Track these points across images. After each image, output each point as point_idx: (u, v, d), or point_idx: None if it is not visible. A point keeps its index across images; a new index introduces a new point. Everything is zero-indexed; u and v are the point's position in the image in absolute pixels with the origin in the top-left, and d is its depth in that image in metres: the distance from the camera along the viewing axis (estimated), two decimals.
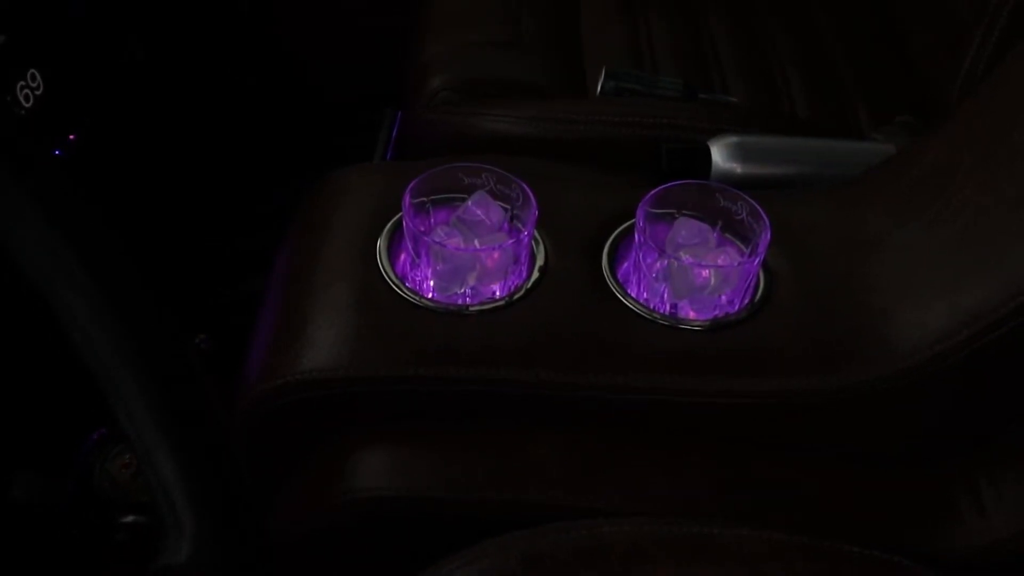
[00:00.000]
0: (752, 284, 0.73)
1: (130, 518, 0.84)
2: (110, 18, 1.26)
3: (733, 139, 0.91)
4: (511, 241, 0.70)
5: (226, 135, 1.48)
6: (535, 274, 0.72)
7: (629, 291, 0.72)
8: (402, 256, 0.73)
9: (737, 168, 0.90)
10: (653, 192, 0.72)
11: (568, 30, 1.21)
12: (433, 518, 0.66)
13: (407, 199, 0.70)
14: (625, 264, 0.75)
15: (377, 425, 0.67)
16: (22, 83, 0.83)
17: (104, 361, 0.30)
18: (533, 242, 0.74)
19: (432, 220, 0.73)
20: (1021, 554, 0.67)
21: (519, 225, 0.72)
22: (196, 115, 1.47)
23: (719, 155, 0.90)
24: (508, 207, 0.74)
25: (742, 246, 0.74)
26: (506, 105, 1.02)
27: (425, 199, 0.74)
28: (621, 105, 1.02)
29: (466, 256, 0.70)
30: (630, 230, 0.76)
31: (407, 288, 0.70)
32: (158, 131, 1.41)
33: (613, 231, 0.76)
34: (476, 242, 0.71)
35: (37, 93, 0.85)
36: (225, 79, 1.50)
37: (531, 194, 0.71)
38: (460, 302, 0.70)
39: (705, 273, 0.71)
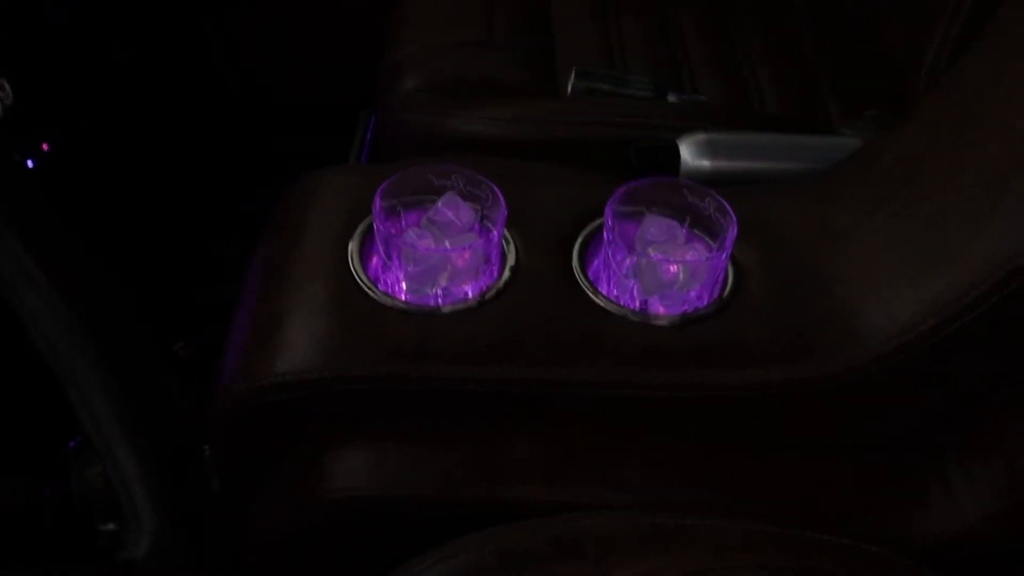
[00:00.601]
0: (721, 279, 0.74)
1: (109, 525, 0.85)
2: (93, 25, 1.26)
3: (702, 136, 0.91)
4: (481, 241, 0.71)
5: (202, 139, 1.48)
6: (506, 273, 0.73)
7: (600, 288, 0.73)
8: (374, 258, 0.74)
9: (706, 165, 0.91)
10: (620, 190, 0.73)
11: (540, 29, 1.22)
12: (412, 516, 0.66)
13: (377, 202, 0.71)
14: (595, 262, 0.76)
15: (354, 425, 0.68)
16: None
17: (65, 362, 0.31)
18: (504, 242, 0.75)
19: (403, 222, 0.74)
20: (989, 537, 0.68)
21: (489, 225, 0.73)
22: (171, 120, 1.47)
23: (688, 152, 0.91)
24: (478, 207, 0.74)
25: (710, 241, 0.74)
26: (478, 106, 1.02)
27: (396, 201, 0.74)
28: (591, 105, 1.03)
29: (437, 257, 0.70)
30: (600, 228, 0.76)
31: (380, 290, 0.71)
32: (133, 137, 1.41)
33: (583, 229, 0.77)
34: (447, 243, 0.72)
35: (6, 103, 0.85)
36: (201, 83, 1.50)
37: (500, 194, 0.72)
38: (433, 303, 0.71)
39: (673, 269, 0.72)
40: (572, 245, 0.76)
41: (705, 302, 0.73)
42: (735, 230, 0.71)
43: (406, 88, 1.10)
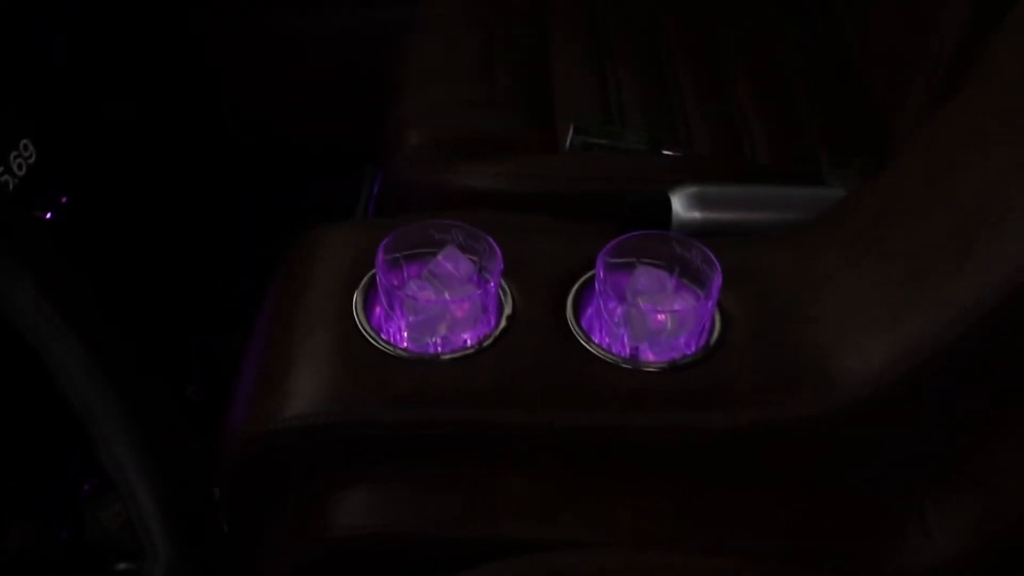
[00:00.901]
0: (708, 326, 0.77)
1: (122, 566, 0.88)
2: (96, 71, 1.31)
3: (692, 189, 0.96)
4: (479, 292, 0.75)
5: (213, 193, 1.53)
6: (503, 322, 0.76)
7: (592, 336, 0.77)
8: (377, 309, 0.78)
9: (697, 216, 0.95)
10: (611, 243, 0.77)
11: (540, 85, 1.27)
12: (411, 554, 0.70)
13: (380, 255, 0.75)
14: (588, 311, 0.79)
15: (356, 466, 0.71)
16: (15, 153, 0.88)
17: (88, 407, 0.34)
18: (501, 292, 0.78)
19: (405, 274, 0.78)
20: (963, 575, 0.71)
21: (487, 276, 0.77)
22: (181, 169, 1.52)
23: (679, 205, 0.95)
24: (476, 260, 0.78)
25: (697, 290, 0.78)
26: (480, 162, 1.07)
27: (398, 255, 0.78)
28: (588, 160, 1.08)
29: (437, 307, 0.74)
30: (593, 279, 0.80)
31: (382, 339, 0.75)
32: (147, 187, 1.45)
33: (577, 280, 0.81)
34: (446, 294, 0.75)
35: (30, 162, 0.89)
36: (209, 133, 1.55)
37: (496, 247, 0.76)
38: (432, 351, 0.75)
39: (662, 317, 0.76)
40: (566, 295, 0.80)
41: (693, 349, 0.76)
42: (720, 279, 0.75)
43: (411, 144, 1.15)
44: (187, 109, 1.51)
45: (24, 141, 0.89)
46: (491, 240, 0.76)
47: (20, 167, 0.90)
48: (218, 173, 1.56)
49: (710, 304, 0.76)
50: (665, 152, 1.10)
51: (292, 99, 1.59)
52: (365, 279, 0.79)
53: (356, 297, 0.78)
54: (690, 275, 0.79)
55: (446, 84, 1.24)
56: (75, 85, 1.28)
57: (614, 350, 0.76)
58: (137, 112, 1.45)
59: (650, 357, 0.76)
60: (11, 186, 0.88)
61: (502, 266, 0.75)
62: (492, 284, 0.75)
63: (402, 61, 1.31)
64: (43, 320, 0.40)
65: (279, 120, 1.61)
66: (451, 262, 0.78)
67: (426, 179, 1.08)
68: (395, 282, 0.76)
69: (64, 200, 1.22)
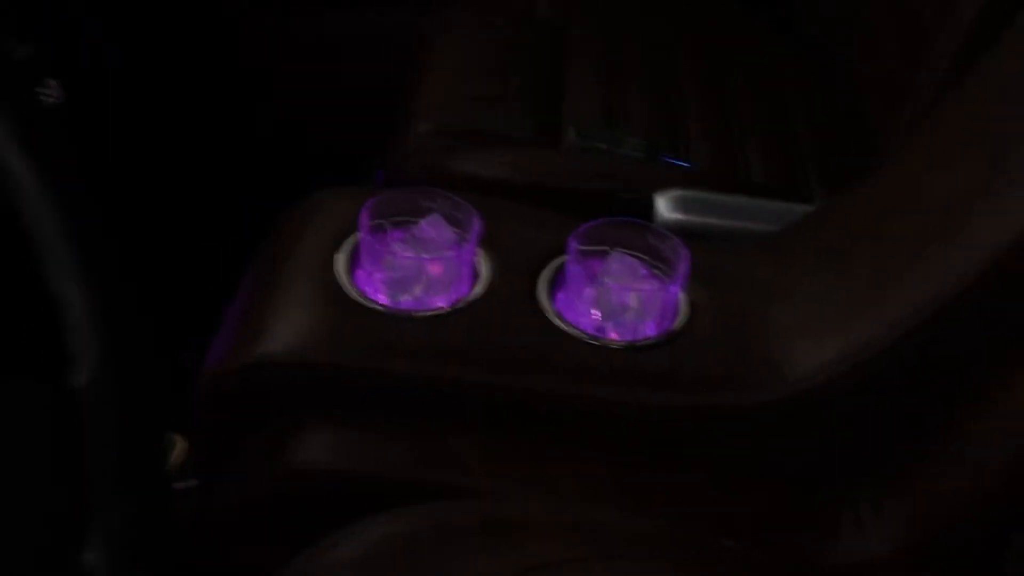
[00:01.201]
0: (672, 314, 0.81)
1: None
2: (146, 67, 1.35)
3: (677, 192, 0.99)
4: (454, 253, 0.78)
5: (217, 185, 1.56)
6: (477, 290, 0.80)
7: (561, 314, 0.80)
8: (359, 268, 0.81)
9: (679, 218, 0.98)
10: (585, 226, 0.80)
11: (550, 90, 1.30)
12: (366, 495, 0.73)
13: (364, 212, 0.78)
14: (560, 292, 0.83)
15: (320, 409, 0.75)
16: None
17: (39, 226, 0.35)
18: (479, 262, 0.82)
19: (389, 238, 0.82)
20: (895, 570, 0.74)
21: (465, 243, 0.81)
22: (201, 153, 1.56)
23: (663, 206, 0.99)
24: (460, 232, 0.82)
25: (667, 279, 0.82)
26: (479, 150, 1.11)
27: (384, 221, 0.82)
28: (584, 159, 1.11)
29: (413, 265, 0.78)
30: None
31: (360, 293, 0.78)
32: (153, 184, 1.49)
33: (553, 260, 0.84)
34: (424, 256, 0.79)
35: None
36: (217, 133, 1.58)
37: (477, 215, 0.79)
38: (406, 308, 0.78)
39: (628, 298, 0.79)
40: (539, 273, 0.83)
41: (655, 332, 0.80)
42: (687, 265, 0.78)
43: (416, 132, 1.19)
44: (200, 109, 1.55)
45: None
46: (473, 209, 0.80)
47: None
48: (226, 169, 1.59)
49: (675, 288, 0.79)
50: (662, 160, 1.13)
51: (303, 101, 1.62)
52: (349, 240, 0.83)
53: (339, 256, 0.82)
54: (661, 264, 0.82)
55: (457, 81, 1.28)
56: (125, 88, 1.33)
57: (580, 326, 0.80)
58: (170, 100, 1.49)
59: (614, 336, 0.80)
60: None
61: (479, 231, 0.79)
62: (468, 247, 0.79)
63: (416, 63, 1.35)
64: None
65: (290, 121, 1.63)
66: (434, 228, 0.81)
67: (426, 163, 1.12)
68: (377, 244, 0.80)
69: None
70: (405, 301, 0.79)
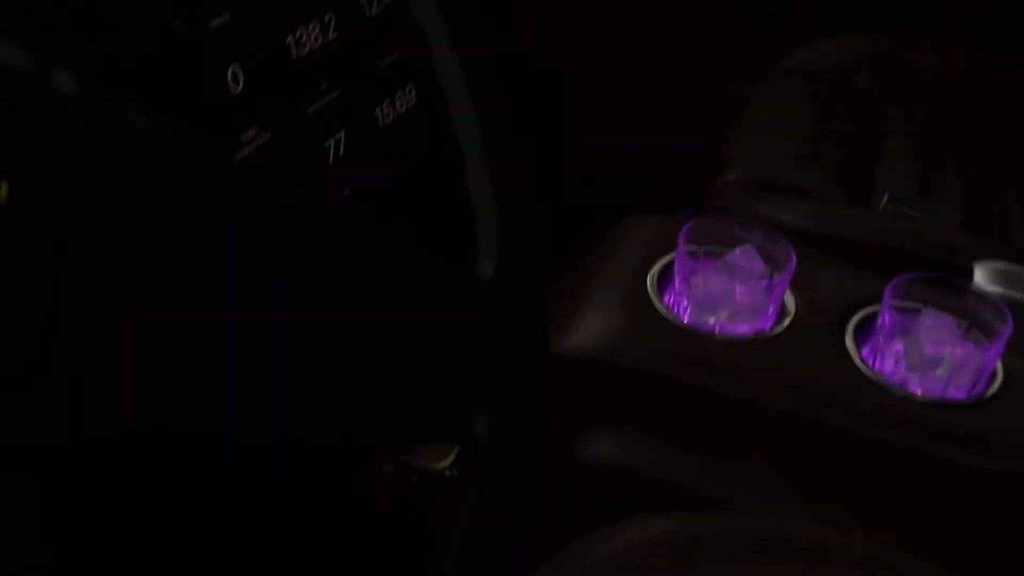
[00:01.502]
0: (987, 379, 0.77)
1: (386, 468, 0.96)
2: None
3: (999, 264, 0.95)
4: (764, 283, 0.79)
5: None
6: (783, 324, 0.80)
7: (868, 362, 0.79)
8: (668, 285, 0.83)
9: (999, 292, 0.94)
10: (904, 277, 0.79)
11: (865, 157, 1.29)
12: (644, 497, 0.74)
13: (682, 234, 0.80)
14: (870, 340, 0.81)
15: (616, 409, 0.77)
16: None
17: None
18: (787, 300, 0.82)
19: (702, 262, 0.83)
20: None
21: (776, 276, 0.81)
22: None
23: (981, 277, 0.95)
24: (771, 266, 0.82)
25: (983, 342, 0.78)
26: (790, 200, 1.10)
27: (698, 247, 0.84)
28: (897, 221, 1.09)
29: (722, 289, 0.79)
30: (878, 312, 0.82)
31: (667, 309, 0.80)
32: None
33: (863, 308, 0.83)
34: (735, 282, 0.80)
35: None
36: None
37: (793, 252, 0.79)
38: (710, 329, 0.79)
39: (940, 356, 0.77)
40: (848, 320, 0.82)
41: (966, 395, 0.77)
42: (1009, 331, 0.75)
43: (727, 179, 1.20)
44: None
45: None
46: (789, 244, 0.80)
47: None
48: None
49: (992, 353, 0.76)
50: (978, 233, 1.09)
51: (621, 149, 1.67)
52: (661, 259, 0.85)
53: (650, 272, 0.84)
54: (978, 327, 0.79)
55: (773, 137, 1.29)
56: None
57: (886, 375, 0.78)
58: None
59: (919, 391, 0.77)
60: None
61: (794, 267, 0.79)
62: (781, 280, 0.79)
63: (733, 118, 1.36)
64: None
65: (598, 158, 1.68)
66: (746, 259, 0.82)
67: (735, 207, 1.12)
68: (690, 264, 0.82)
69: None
70: (710, 323, 0.80)
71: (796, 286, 0.82)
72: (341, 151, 0.79)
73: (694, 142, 1.50)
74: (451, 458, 0.98)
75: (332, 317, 0.37)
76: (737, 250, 0.82)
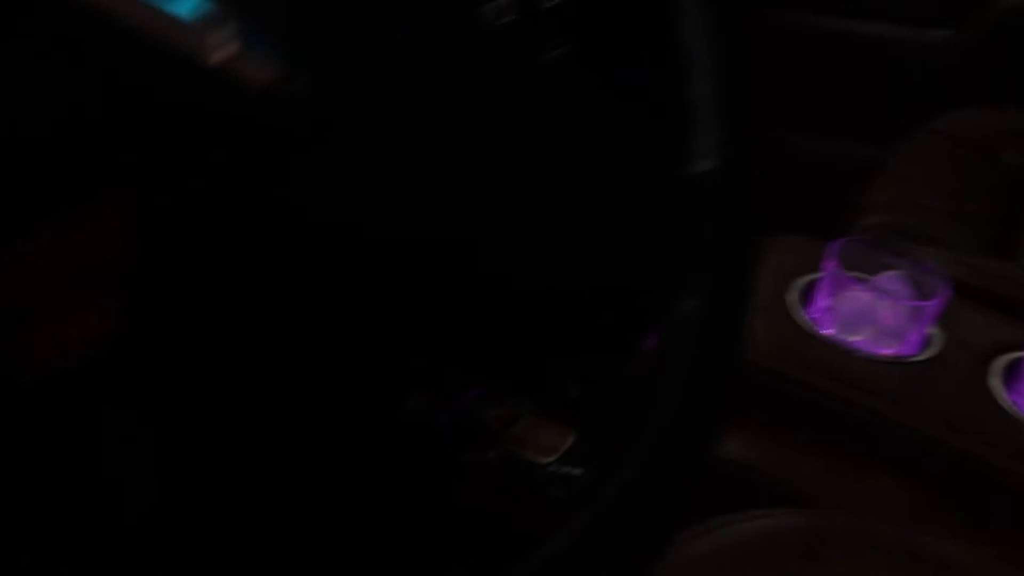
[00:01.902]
0: None
1: (491, 454, 0.96)
2: None
3: None
4: (912, 307, 0.77)
5: None
6: (927, 352, 0.78)
7: (1013, 403, 0.77)
8: (813, 301, 0.82)
9: None
10: None
11: (1007, 221, 1.26)
12: (764, 498, 0.72)
13: (832, 251, 0.79)
14: (1017, 383, 0.79)
15: (748, 409, 0.76)
16: None
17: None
18: (932, 331, 0.80)
19: (850, 280, 0.82)
20: None
21: (923, 305, 0.79)
22: None
23: None
24: (918, 294, 0.81)
25: None
26: (930, 246, 1.08)
27: (845, 270, 0.82)
28: None
29: (869, 307, 0.78)
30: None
31: (811, 322, 0.79)
32: None
33: (1010, 352, 0.81)
34: (884, 300, 0.79)
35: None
36: None
37: (943, 277, 0.78)
38: (851, 346, 0.78)
39: None
40: (993, 359, 0.80)
41: None
42: None
43: (864, 223, 1.18)
44: None
45: None
46: (941, 273, 0.79)
47: None
48: None
49: None
50: None
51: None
52: (806, 276, 0.84)
53: (795, 286, 0.83)
54: None
55: (915, 190, 1.27)
56: None
57: None
58: None
59: None
60: None
61: (945, 299, 0.77)
62: (929, 306, 0.77)
63: (879, 170, 1.35)
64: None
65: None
66: (894, 283, 0.81)
67: None
68: (838, 280, 0.80)
69: None
70: (853, 341, 0.79)
71: (942, 323, 0.81)
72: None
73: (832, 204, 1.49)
74: (558, 454, 0.98)
75: (572, 166, 0.39)
76: (888, 273, 0.81)
